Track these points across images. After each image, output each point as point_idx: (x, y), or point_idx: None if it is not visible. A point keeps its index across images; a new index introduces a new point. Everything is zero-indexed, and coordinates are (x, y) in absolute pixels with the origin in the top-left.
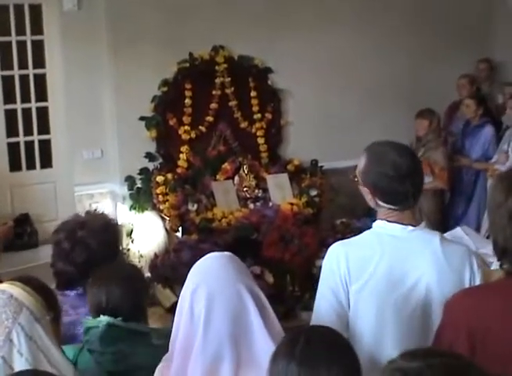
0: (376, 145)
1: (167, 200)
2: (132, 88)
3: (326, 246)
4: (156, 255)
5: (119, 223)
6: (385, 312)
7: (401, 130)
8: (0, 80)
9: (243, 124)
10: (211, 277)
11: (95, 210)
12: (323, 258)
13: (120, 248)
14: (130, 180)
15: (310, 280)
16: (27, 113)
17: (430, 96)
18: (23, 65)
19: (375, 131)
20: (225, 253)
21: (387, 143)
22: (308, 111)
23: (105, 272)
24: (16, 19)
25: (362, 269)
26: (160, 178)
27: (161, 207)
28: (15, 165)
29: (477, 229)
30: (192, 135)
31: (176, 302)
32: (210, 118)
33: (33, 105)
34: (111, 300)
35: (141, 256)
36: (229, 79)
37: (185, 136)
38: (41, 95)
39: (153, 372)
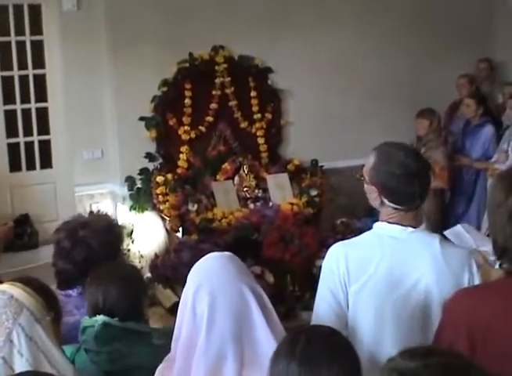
0: (385, 145)
1: (168, 201)
2: (132, 89)
3: (326, 246)
4: (156, 255)
5: (121, 224)
6: (384, 313)
7: (401, 130)
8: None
9: (243, 124)
10: (213, 277)
11: (99, 211)
12: (323, 258)
13: (121, 249)
14: (130, 180)
15: (310, 280)
16: (26, 113)
17: (431, 96)
18: (22, 65)
19: (375, 131)
20: (226, 253)
21: (397, 144)
22: (308, 111)
23: (103, 272)
24: (16, 19)
25: (362, 270)
26: (160, 179)
27: (161, 207)
28: (15, 166)
29: (478, 229)
30: (192, 135)
31: (177, 302)
32: (210, 118)
33: (32, 105)
34: (108, 300)
35: (141, 256)
36: (229, 79)
37: (185, 136)
38: (41, 95)
39: (154, 372)
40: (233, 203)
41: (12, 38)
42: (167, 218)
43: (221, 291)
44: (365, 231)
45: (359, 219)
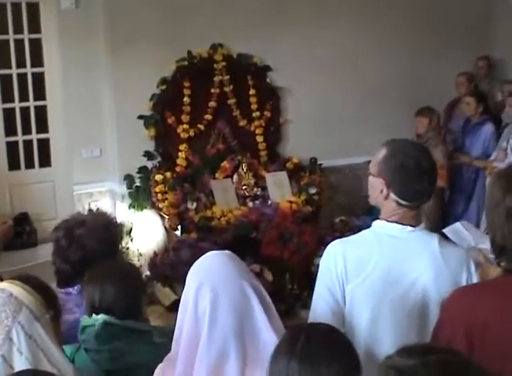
0: (395, 140)
1: (166, 199)
2: (131, 87)
3: (324, 244)
4: (155, 254)
5: (120, 223)
6: (381, 311)
7: (400, 128)
8: None
9: (242, 123)
10: (214, 274)
11: (98, 209)
12: (322, 256)
13: (120, 247)
14: (129, 179)
15: (309, 279)
16: (25, 112)
17: (430, 94)
18: (20, 64)
19: (374, 130)
20: (225, 251)
21: (407, 140)
22: (307, 109)
23: (100, 271)
24: (14, 17)
25: (360, 268)
26: (158, 177)
27: (160, 205)
28: (13, 164)
29: (477, 227)
30: (191, 133)
31: (175, 301)
32: (208, 116)
33: (31, 104)
34: (105, 299)
35: (140, 255)
36: (228, 77)
37: (183, 135)
38: (40, 93)
39: (154, 371)
40: (232, 201)
41: (11, 36)
42: (166, 217)
43: (222, 289)
44: (363, 229)
45: (358, 217)
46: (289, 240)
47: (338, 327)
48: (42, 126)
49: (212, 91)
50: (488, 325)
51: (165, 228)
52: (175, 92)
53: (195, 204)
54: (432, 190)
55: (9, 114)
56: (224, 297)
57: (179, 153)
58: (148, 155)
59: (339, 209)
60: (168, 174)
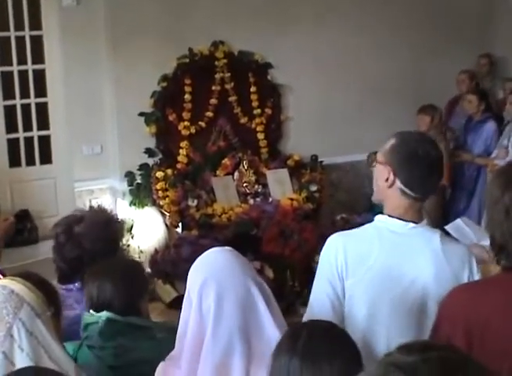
0: (405, 132)
1: (167, 196)
2: (132, 84)
3: (325, 241)
4: (156, 251)
5: (121, 220)
6: (380, 308)
7: (402, 125)
8: None
9: (243, 120)
10: (218, 271)
11: (99, 205)
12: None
13: (121, 244)
14: (130, 176)
15: (309, 276)
16: (26, 108)
17: (432, 92)
18: (22, 60)
19: (375, 127)
20: (227, 247)
21: (416, 132)
22: (308, 106)
23: (100, 268)
24: (15, 14)
25: (360, 263)
26: (159, 174)
27: (161, 202)
28: (14, 161)
29: (478, 225)
30: (192, 130)
31: (176, 298)
32: (209, 114)
33: (32, 101)
34: (102, 296)
35: (141, 252)
36: (229, 74)
37: (184, 132)
38: (41, 90)
39: (157, 366)
40: (233, 198)
41: (12, 33)
42: (167, 214)
43: (227, 285)
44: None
45: (359, 215)
46: (290, 238)
47: (337, 320)
48: (43, 123)
49: (213, 88)
50: (489, 322)
51: (166, 225)
52: (176, 89)
53: (196, 201)
54: (438, 183)
55: (10, 111)
56: (229, 293)
57: (180, 151)
58: (149, 152)
59: (340, 206)
60: (169, 171)
